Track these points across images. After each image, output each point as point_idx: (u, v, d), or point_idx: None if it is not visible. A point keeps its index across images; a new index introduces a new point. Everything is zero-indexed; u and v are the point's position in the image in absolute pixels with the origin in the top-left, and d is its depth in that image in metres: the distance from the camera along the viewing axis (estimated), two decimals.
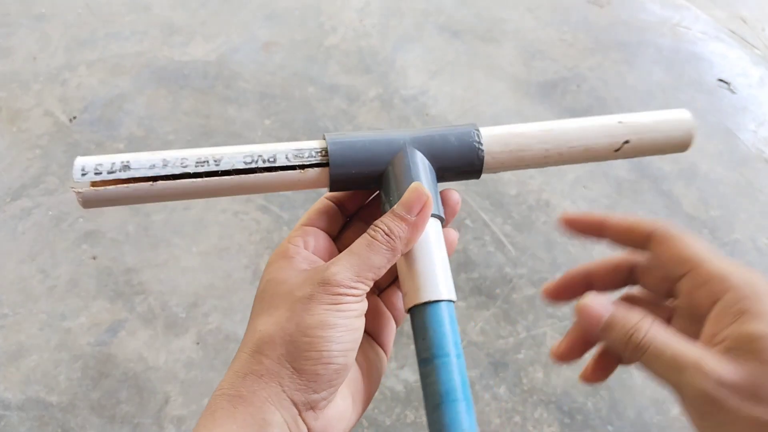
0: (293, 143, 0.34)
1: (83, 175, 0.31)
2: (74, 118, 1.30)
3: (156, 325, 0.98)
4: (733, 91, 1.48)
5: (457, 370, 0.30)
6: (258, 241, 1.08)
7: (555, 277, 1.05)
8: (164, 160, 0.32)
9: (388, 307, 0.38)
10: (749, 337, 0.27)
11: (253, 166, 0.33)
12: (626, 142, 0.37)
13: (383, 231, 0.31)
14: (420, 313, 0.32)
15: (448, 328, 0.31)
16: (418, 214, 0.32)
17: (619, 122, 0.37)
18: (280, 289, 0.32)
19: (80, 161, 0.31)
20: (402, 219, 0.32)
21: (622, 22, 1.66)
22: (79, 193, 0.31)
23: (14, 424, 0.87)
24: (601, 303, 0.32)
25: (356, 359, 0.34)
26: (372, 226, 0.32)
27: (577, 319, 0.32)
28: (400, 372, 0.94)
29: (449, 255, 0.34)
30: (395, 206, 0.32)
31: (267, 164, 0.33)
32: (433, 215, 0.33)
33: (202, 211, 1.14)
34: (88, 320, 0.98)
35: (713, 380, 0.26)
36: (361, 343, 0.34)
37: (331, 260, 0.32)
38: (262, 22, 1.57)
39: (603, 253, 1.10)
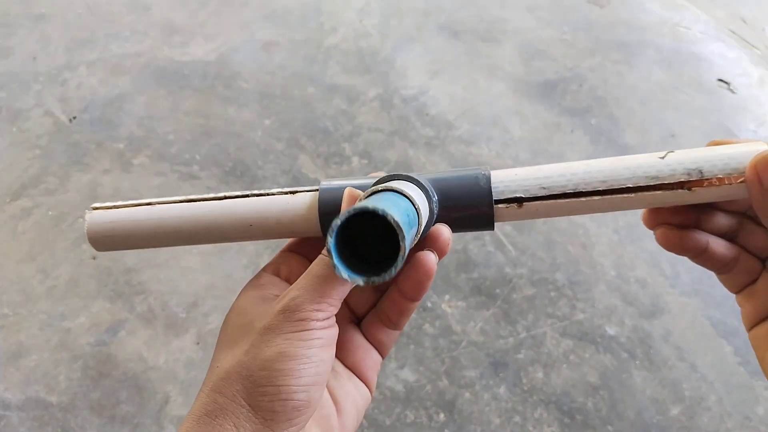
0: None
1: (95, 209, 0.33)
2: (74, 118, 1.30)
3: (156, 325, 0.98)
4: (733, 91, 1.48)
5: None
6: (258, 241, 1.08)
7: (555, 277, 1.05)
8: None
9: (367, 338, 0.34)
10: None
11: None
12: (670, 151, 0.31)
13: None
14: None
15: None
16: None
17: (660, 158, 0.31)
18: (241, 321, 0.30)
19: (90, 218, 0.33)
20: None
21: (622, 22, 1.66)
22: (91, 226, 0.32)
23: (14, 424, 0.87)
24: None
25: (330, 393, 0.32)
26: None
27: (753, 168, 0.28)
28: (400, 372, 0.94)
29: (442, 256, 0.32)
30: None
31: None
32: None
33: None
34: (88, 320, 0.98)
35: None
36: (338, 376, 0.32)
37: (291, 286, 0.29)
38: (262, 22, 1.57)
39: (603, 254, 1.10)
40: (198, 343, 0.96)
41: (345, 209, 0.29)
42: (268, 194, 0.33)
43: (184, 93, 1.37)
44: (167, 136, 1.27)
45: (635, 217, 1.18)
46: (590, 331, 0.99)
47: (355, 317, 0.35)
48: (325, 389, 0.31)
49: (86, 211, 0.32)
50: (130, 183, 1.18)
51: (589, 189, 0.31)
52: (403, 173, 0.31)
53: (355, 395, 0.33)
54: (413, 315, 1.00)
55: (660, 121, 1.37)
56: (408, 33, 1.58)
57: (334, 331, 0.29)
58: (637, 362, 0.96)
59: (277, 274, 0.33)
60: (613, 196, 0.31)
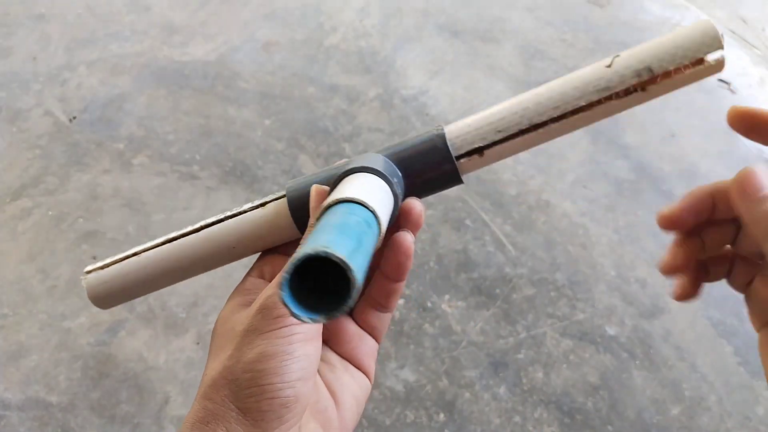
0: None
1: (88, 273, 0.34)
2: (74, 118, 1.30)
3: (156, 325, 0.98)
4: (733, 91, 1.48)
5: None
6: None
7: (555, 277, 1.05)
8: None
9: (360, 324, 0.34)
10: None
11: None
12: (616, 56, 0.30)
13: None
14: None
15: None
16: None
17: (607, 66, 0.30)
18: (225, 328, 0.30)
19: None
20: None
21: (622, 22, 1.66)
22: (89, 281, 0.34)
23: (14, 424, 0.87)
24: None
25: (327, 386, 0.31)
26: (300, 244, 0.29)
27: (739, 182, 0.28)
28: (400, 372, 0.94)
29: (417, 230, 0.32)
30: (310, 218, 0.30)
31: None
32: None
33: (202, 211, 1.14)
34: (88, 320, 0.98)
35: None
36: (333, 368, 0.32)
37: (266, 285, 0.30)
38: (262, 22, 1.57)
39: (603, 254, 1.10)
40: (198, 343, 0.96)
41: (314, 207, 0.30)
42: (240, 213, 0.33)
43: (184, 93, 1.37)
44: (167, 136, 1.27)
45: (635, 217, 1.18)
46: (590, 331, 0.99)
47: None
48: (321, 382, 0.31)
49: (81, 277, 0.34)
50: (130, 183, 1.18)
51: (545, 119, 0.30)
52: (363, 163, 0.30)
53: (352, 386, 0.32)
54: (413, 315, 1.00)
55: (660, 121, 1.37)
56: (408, 33, 1.58)
57: (317, 324, 0.28)
58: (637, 362, 0.96)
59: (262, 277, 0.33)
60: (569, 118, 0.30)
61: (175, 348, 0.95)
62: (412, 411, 0.90)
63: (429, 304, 1.02)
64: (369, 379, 0.34)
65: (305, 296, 0.23)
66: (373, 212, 0.26)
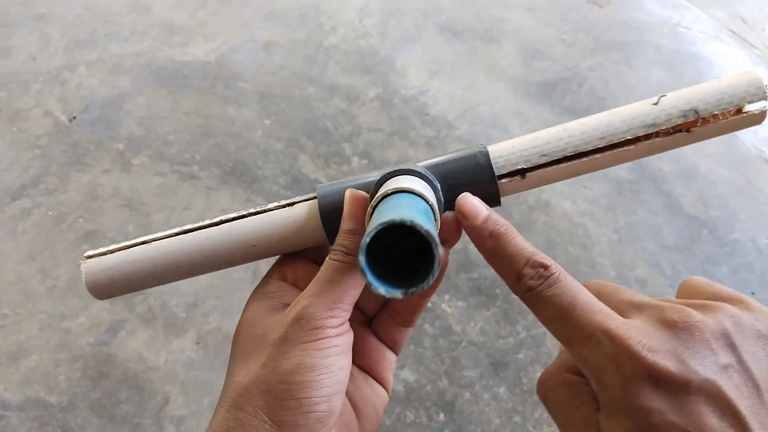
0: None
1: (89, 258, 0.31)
2: (74, 118, 1.30)
3: (156, 325, 0.98)
4: None
5: None
6: None
7: None
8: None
9: (380, 338, 0.34)
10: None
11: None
12: (662, 96, 0.31)
13: (342, 251, 0.28)
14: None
15: None
16: (359, 220, 0.29)
17: (654, 104, 0.31)
18: (253, 332, 0.29)
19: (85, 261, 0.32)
20: (351, 232, 0.29)
21: (622, 22, 1.66)
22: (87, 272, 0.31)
23: (14, 424, 0.87)
24: (481, 203, 0.28)
25: (349, 398, 0.31)
26: (332, 250, 0.29)
27: (459, 205, 0.28)
28: (400, 372, 0.94)
29: (452, 246, 0.32)
30: (342, 222, 0.30)
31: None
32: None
33: (202, 211, 1.14)
34: (88, 320, 0.98)
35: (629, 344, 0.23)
36: (354, 379, 0.32)
37: (301, 294, 0.29)
38: (262, 22, 1.57)
39: (603, 254, 1.10)
40: (198, 343, 0.96)
41: (349, 212, 0.29)
42: (265, 211, 0.32)
43: (184, 93, 1.37)
44: (167, 136, 1.27)
45: (635, 217, 1.18)
46: None
47: (366, 318, 0.35)
48: (345, 396, 0.30)
49: (81, 261, 0.32)
50: (130, 183, 1.18)
51: (590, 148, 0.30)
52: (404, 167, 0.30)
53: (373, 398, 0.32)
54: None
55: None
56: (408, 33, 1.58)
57: (350, 336, 0.29)
58: None
59: (284, 280, 0.32)
60: (614, 151, 0.30)
61: (175, 348, 0.95)
62: (412, 411, 0.90)
63: (429, 304, 1.02)
64: (387, 391, 0.34)
65: (374, 271, 0.24)
66: (432, 208, 0.26)
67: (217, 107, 1.34)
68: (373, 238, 0.22)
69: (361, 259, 0.22)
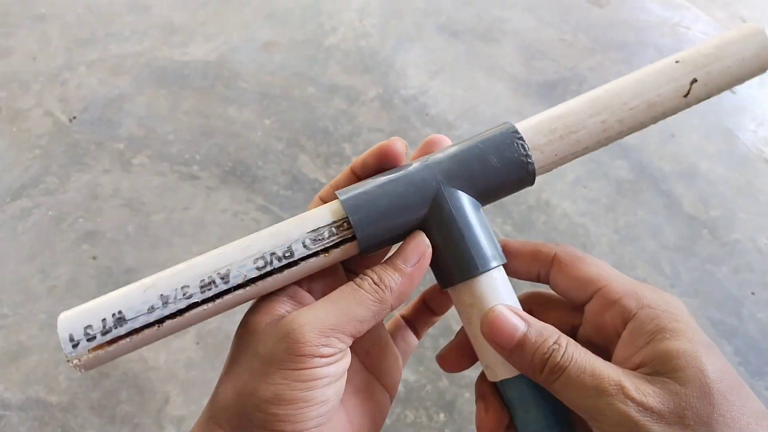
0: (304, 221, 0.28)
1: (75, 347, 0.26)
2: (74, 118, 1.30)
3: None
4: (733, 91, 1.48)
5: None
6: None
7: None
8: (162, 296, 0.26)
9: (395, 339, 0.32)
10: (667, 355, 0.24)
11: (268, 269, 0.27)
12: (694, 81, 0.30)
13: (372, 280, 0.26)
14: (515, 387, 0.28)
15: (547, 395, 0.27)
16: (415, 264, 0.27)
17: (677, 62, 0.31)
18: (246, 340, 0.27)
19: (65, 328, 0.26)
20: (396, 269, 0.27)
21: (622, 22, 1.66)
22: (78, 365, 0.26)
23: (14, 424, 0.87)
24: (514, 315, 0.26)
25: (347, 406, 0.29)
26: (361, 274, 0.27)
27: (485, 333, 0.27)
28: None
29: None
30: (392, 256, 0.28)
31: (284, 261, 0.27)
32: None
33: (202, 211, 1.14)
34: None
35: (636, 405, 0.23)
36: (359, 385, 0.30)
37: (305, 307, 0.26)
38: (262, 22, 1.57)
39: (603, 254, 1.10)
40: (198, 343, 0.96)
41: (409, 257, 0.27)
42: (294, 263, 0.28)
43: (184, 93, 1.37)
44: (167, 136, 1.27)
45: (635, 217, 1.18)
46: None
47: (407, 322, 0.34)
48: (342, 413, 0.29)
49: (70, 354, 0.27)
50: (130, 183, 1.18)
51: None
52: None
53: (372, 413, 0.30)
54: None
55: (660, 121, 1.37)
56: (408, 33, 1.58)
57: (344, 363, 0.26)
58: None
59: (299, 284, 0.29)
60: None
61: (176, 348, 0.95)
62: (412, 411, 0.90)
63: None
64: (390, 397, 0.32)
65: None
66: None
67: (217, 107, 1.34)
68: None
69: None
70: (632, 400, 0.23)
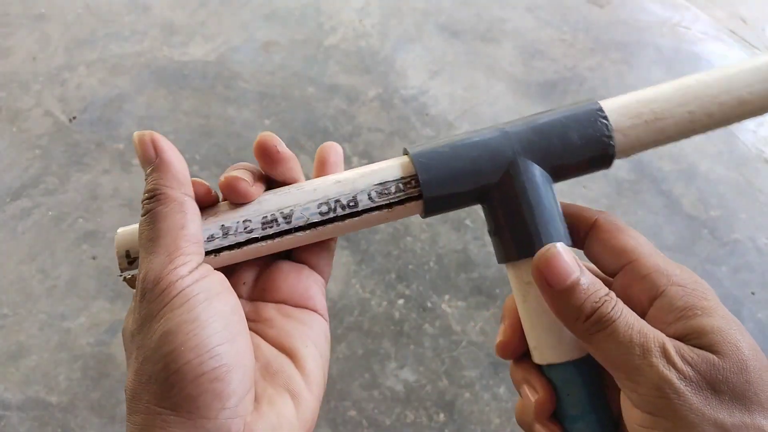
0: (372, 173, 0.28)
1: (130, 263, 0.27)
2: (74, 118, 1.30)
3: None
4: None
5: (598, 422, 0.27)
6: None
7: None
8: (223, 227, 0.27)
9: (301, 261, 0.31)
10: (701, 330, 0.24)
11: (331, 215, 0.27)
12: None
13: (147, 196, 0.26)
14: (563, 371, 0.27)
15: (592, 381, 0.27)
16: (154, 152, 0.27)
17: None
18: (126, 336, 0.26)
19: (123, 243, 0.27)
20: (146, 168, 0.26)
21: (622, 22, 1.66)
22: (129, 279, 0.27)
23: (14, 424, 0.87)
24: (572, 259, 0.26)
25: (274, 343, 0.28)
26: (142, 201, 0.26)
27: (539, 267, 0.26)
28: (400, 372, 0.94)
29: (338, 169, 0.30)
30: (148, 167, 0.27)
31: (347, 210, 0.27)
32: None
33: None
34: (88, 320, 0.98)
35: (677, 372, 0.23)
36: (271, 321, 0.29)
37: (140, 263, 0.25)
38: (262, 22, 1.57)
39: None
40: None
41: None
42: (361, 212, 0.28)
43: (183, 93, 1.37)
44: (167, 136, 1.26)
45: (635, 217, 1.18)
46: None
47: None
48: (264, 344, 0.27)
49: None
50: (130, 183, 1.18)
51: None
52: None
53: (304, 332, 0.28)
54: (413, 315, 1.00)
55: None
56: (408, 33, 1.58)
57: (214, 276, 0.25)
58: None
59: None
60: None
61: None
62: (412, 411, 0.90)
63: (429, 304, 1.02)
64: (323, 317, 0.30)
65: None
66: None
67: (217, 107, 1.34)
68: None
69: None
70: (674, 365, 0.23)
